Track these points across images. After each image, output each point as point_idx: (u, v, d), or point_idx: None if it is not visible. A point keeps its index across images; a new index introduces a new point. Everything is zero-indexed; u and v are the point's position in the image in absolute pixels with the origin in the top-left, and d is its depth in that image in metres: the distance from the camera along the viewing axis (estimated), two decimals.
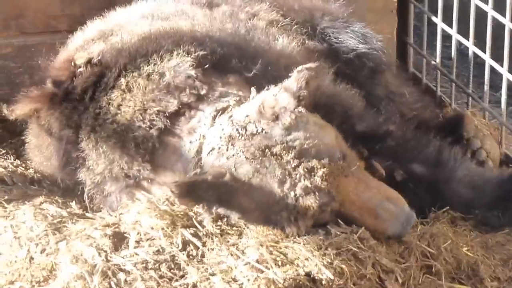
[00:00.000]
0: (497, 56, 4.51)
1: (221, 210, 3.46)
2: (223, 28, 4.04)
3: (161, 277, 3.28)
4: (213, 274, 3.27)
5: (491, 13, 4.50)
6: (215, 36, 3.93)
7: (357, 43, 4.47)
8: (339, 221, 3.44)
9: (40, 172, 4.09)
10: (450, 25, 4.88)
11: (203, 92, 3.66)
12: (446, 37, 4.99)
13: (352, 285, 3.25)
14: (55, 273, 3.34)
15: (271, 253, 3.31)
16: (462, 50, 4.98)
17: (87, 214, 3.73)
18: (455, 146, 4.05)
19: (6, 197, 3.87)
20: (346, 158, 3.47)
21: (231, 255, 3.32)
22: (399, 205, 3.43)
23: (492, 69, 4.58)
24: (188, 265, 3.30)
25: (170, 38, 3.83)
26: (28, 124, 4.03)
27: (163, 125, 3.61)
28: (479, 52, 4.67)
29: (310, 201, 3.35)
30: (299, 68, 3.50)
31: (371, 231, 3.42)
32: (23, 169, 4.20)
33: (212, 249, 3.37)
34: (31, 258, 3.42)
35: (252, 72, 3.78)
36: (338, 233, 3.39)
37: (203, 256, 3.35)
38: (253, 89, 3.58)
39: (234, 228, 3.46)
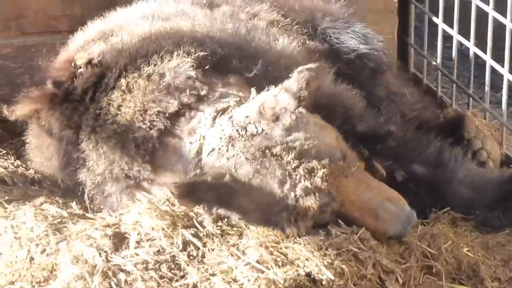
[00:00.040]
0: (498, 56, 4.52)
1: (222, 211, 3.47)
2: (224, 29, 4.05)
3: (161, 277, 3.29)
4: (213, 275, 3.28)
5: (492, 13, 4.50)
6: (216, 36, 3.94)
7: (358, 43, 4.48)
8: (340, 221, 3.44)
9: (41, 172, 4.10)
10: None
11: (203, 92, 3.67)
12: (447, 38, 5.00)
13: (352, 286, 3.26)
14: (56, 273, 3.35)
15: (271, 253, 3.32)
16: (463, 51, 4.98)
17: (87, 215, 3.74)
18: (455, 146, 4.06)
19: (6, 198, 3.88)
20: (346, 159, 3.47)
21: (232, 255, 3.33)
22: (399, 205, 3.44)
23: (493, 70, 4.59)
24: (188, 265, 3.31)
25: (171, 38, 3.84)
26: (29, 125, 4.04)
27: (163, 126, 3.62)
28: (480, 53, 4.68)
29: (310, 202, 3.36)
30: (300, 68, 3.51)
31: (371, 232, 3.42)
32: (24, 169, 4.21)
33: (213, 250, 3.38)
34: (32, 259, 3.43)
35: (253, 73, 3.79)
36: (339, 233, 3.40)
37: (203, 256, 3.36)
38: (253, 90, 3.59)
39: (235, 228, 3.47)
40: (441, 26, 4.98)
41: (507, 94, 4.50)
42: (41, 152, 3.99)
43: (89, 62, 3.82)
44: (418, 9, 5.27)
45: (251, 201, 3.40)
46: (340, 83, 3.98)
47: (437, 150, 3.96)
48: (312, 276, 3.26)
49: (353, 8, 4.69)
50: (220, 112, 3.59)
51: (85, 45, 3.98)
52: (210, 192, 3.39)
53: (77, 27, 4.23)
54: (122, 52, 3.82)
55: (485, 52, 4.60)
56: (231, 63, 3.82)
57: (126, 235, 3.45)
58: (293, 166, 3.37)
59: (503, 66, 4.48)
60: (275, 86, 3.55)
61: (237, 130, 3.45)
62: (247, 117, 3.48)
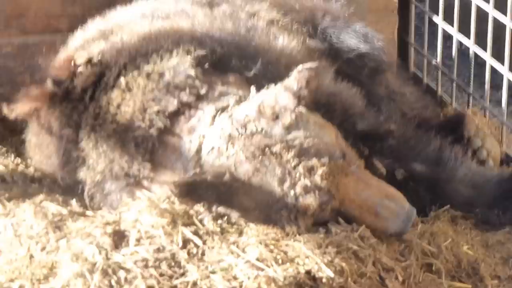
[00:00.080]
0: (498, 56, 4.54)
1: (221, 209, 3.48)
2: (223, 28, 4.06)
3: (161, 275, 3.29)
4: (213, 272, 3.29)
5: (492, 13, 4.52)
6: (215, 35, 3.95)
7: (358, 43, 4.48)
8: (340, 219, 3.46)
9: (41, 170, 4.10)
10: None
11: (202, 91, 3.68)
12: (447, 37, 5.02)
13: (352, 283, 3.27)
14: (56, 271, 3.35)
15: (271, 251, 3.33)
16: (463, 50, 4.97)
17: (87, 213, 3.73)
18: (456, 145, 4.08)
19: (6, 195, 3.88)
20: (346, 157, 3.49)
21: (232, 253, 3.34)
22: (399, 202, 3.46)
23: (493, 69, 4.60)
24: (188, 263, 3.32)
25: (170, 38, 3.85)
26: (29, 123, 4.05)
27: (163, 125, 3.63)
28: (480, 52, 4.69)
29: (310, 200, 3.38)
30: (299, 67, 3.52)
31: (372, 229, 3.44)
32: (24, 167, 4.21)
33: (213, 247, 3.38)
34: (31, 256, 3.43)
35: (252, 72, 3.81)
36: (339, 231, 3.41)
37: (203, 254, 3.37)
38: (252, 89, 3.61)
39: (235, 226, 3.48)
40: (441, 25, 5.00)
41: (507, 93, 4.52)
42: (41, 150, 4.00)
43: (89, 61, 3.82)
44: (418, 8, 5.27)
45: (251, 199, 3.42)
46: (340, 82, 4.00)
47: (437, 149, 3.99)
48: (312, 274, 3.26)
49: (353, 7, 4.69)
50: (220, 111, 3.60)
51: (85, 44, 3.99)
52: (210, 190, 3.41)
53: (77, 26, 4.24)
54: (121, 51, 3.83)
55: (485, 51, 4.62)
56: (230, 62, 3.84)
57: (126, 233, 3.45)
58: (292, 165, 3.39)
59: (503, 65, 4.50)
60: (274, 85, 3.57)
61: (237, 129, 3.47)
62: (246, 115, 3.49)
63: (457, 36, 4.89)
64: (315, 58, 4.12)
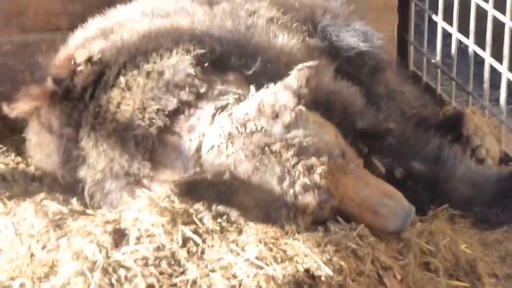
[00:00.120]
0: (497, 54, 4.55)
1: (221, 208, 3.50)
2: (223, 26, 4.07)
3: (161, 273, 3.31)
4: (213, 271, 3.30)
5: (492, 12, 4.54)
6: (215, 34, 3.96)
7: (358, 41, 4.50)
8: (338, 218, 3.48)
9: (41, 169, 4.11)
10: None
11: (202, 90, 3.69)
12: (447, 36, 5.04)
13: (351, 282, 3.28)
14: (56, 269, 3.37)
15: (270, 249, 3.34)
16: (462, 49, 4.99)
17: (87, 211, 3.75)
18: (455, 144, 4.10)
19: (7, 194, 3.90)
20: (345, 156, 3.50)
21: (231, 251, 3.35)
22: (398, 200, 3.47)
23: (492, 68, 4.62)
24: (188, 261, 3.34)
25: (170, 36, 3.87)
26: (29, 122, 4.06)
27: (163, 124, 3.64)
28: (479, 51, 4.71)
29: (309, 198, 3.39)
30: (299, 66, 3.54)
31: (371, 228, 3.45)
32: (24, 166, 4.22)
33: (212, 246, 3.40)
34: (32, 255, 3.45)
35: (252, 70, 3.82)
36: (337, 230, 3.42)
37: (203, 252, 3.38)
38: (252, 87, 3.62)
39: (234, 225, 3.49)
40: (441, 24, 5.02)
41: (506, 91, 4.54)
42: (41, 149, 4.02)
43: (89, 60, 3.84)
44: (418, 7, 5.30)
45: (251, 198, 3.44)
46: (339, 80, 4.02)
47: (436, 148, 4.00)
48: (311, 272, 3.28)
49: (353, 5, 4.71)
50: (220, 110, 3.61)
51: (85, 43, 4.01)
52: (210, 189, 3.43)
53: (78, 24, 4.25)
54: (121, 50, 3.85)
55: (485, 50, 4.64)
56: (230, 61, 3.85)
57: (126, 231, 3.46)
58: (292, 163, 3.40)
59: (502, 64, 4.52)
60: (274, 84, 3.58)
61: (237, 127, 3.48)
62: (246, 114, 3.51)
63: (456, 34, 4.91)
64: (315, 57, 4.14)
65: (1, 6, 4.69)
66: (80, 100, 3.82)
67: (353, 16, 4.65)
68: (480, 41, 4.72)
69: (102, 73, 3.82)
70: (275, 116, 3.48)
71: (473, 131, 4.41)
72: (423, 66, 5.26)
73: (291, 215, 3.41)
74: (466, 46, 4.85)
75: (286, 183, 3.40)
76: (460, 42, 4.93)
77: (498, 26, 4.52)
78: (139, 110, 3.68)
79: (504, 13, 4.44)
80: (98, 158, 3.75)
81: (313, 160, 3.41)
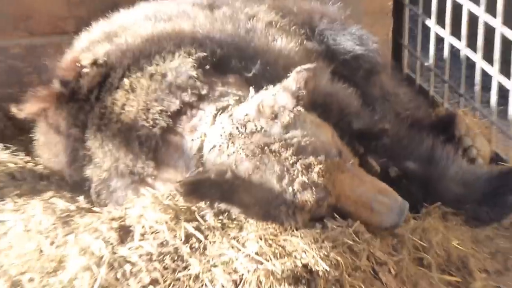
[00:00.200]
0: (488, 58, 4.57)
1: (223, 205, 3.51)
2: (224, 29, 4.08)
3: (165, 268, 3.34)
4: (214, 266, 3.33)
5: (483, 17, 4.56)
6: (216, 37, 3.97)
7: (354, 44, 4.51)
8: (335, 215, 3.49)
9: (49, 168, 4.12)
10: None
11: (204, 91, 3.70)
12: (440, 40, 5.05)
13: (347, 277, 3.30)
14: (64, 264, 3.40)
15: (270, 245, 3.37)
16: (454, 52, 4.98)
17: (94, 209, 3.77)
18: (447, 144, 4.11)
19: (16, 192, 3.91)
20: (341, 155, 3.52)
21: (232, 247, 3.37)
22: (392, 197, 3.49)
23: (484, 71, 4.63)
24: (191, 257, 3.36)
25: (172, 40, 3.88)
26: (37, 122, 4.08)
27: (166, 124, 3.66)
28: (471, 54, 4.73)
29: (308, 196, 3.41)
30: (298, 68, 3.55)
31: (367, 224, 3.47)
32: (33, 165, 4.22)
33: (214, 242, 3.42)
34: (41, 250, 3.48)
35: (252, 72, 3.84)
36: (334, 226, 3.44)
37: (205, 248, 3.40)
38: (251, 89, 3.64)
39: (235, 222, 3.51)
40: (434, 28, 5.04)
41: (497, 93, 4.55)
42: (49, 149, 4.04)
43: (94, 62, 3.86)
44: (412, 11, 5.31)
45: (251, 196, 3.45)
46: (336, 82, 4.03)
47: (429, 148, 4.02)
48: (308, 267, 3.30)
49: (350, 10, 4.73)
50: (220, 111, 3.63)
51: (90, 46, 4.03)
52: (213, 189, 3.43)
53: (83, 28, 4.27)
54: (126, 53, 3.86)
55: (476, 54, 4.66)
56: (230, 63, 3.87)
57: (131, 228, 3.49)
58: (291, 162, 3.42)
59: (493, 66, 4.54)
60: (273, 86, 3.59)
61: (237, 128, 3.50)
62: (246, 115, 3.52)
63: (449, 38, 4.92)
64: (312, 59, 4.14)
65: (9, 11, 4.71)
66: (86, 101, 3.84)
67: (349, 20, 4.67)
68: (471, 45, 4.73)
69: (107, 75, 3.84)
70: (274, 116, 3.49)
71: (464, 131, 4.42)
72: (416, 69, 5.28)
73: (290, 212, 3.42)
74: (458, 50, 4.86)
75: (285, 181, 3.41)
76: (452, 46, 4.94)
77: (489, 31, 4.54)
78: (142, 111, 3.70)
79: (495, 17, 4.46)
80: (103, 158, 3.76)
81: (311, 159, 3.42)
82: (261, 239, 3.39)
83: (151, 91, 3.72)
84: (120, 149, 3.73)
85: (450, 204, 3.90)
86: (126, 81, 3.79)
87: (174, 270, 3.33)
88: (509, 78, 4.44)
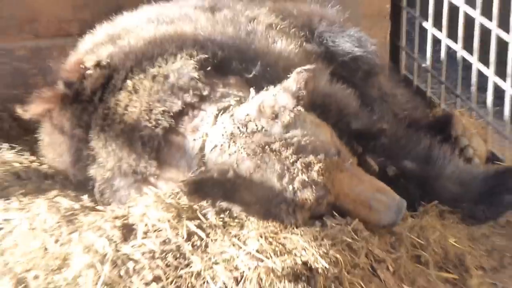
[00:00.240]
0: (484, 59, 4.58)
1: (224, 204, 3.52)
2: (225, 32, 4.09)
3: (167, 265, 3.34)
4: (216, 263, 3.33)
5: (479, 19, 4.57)
6: (217, 39, 3.98)
7: (353, 46, 4.51)
8: (334, 213, 3.49)
9: (54, 167, 4.13)
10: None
11: (205, 92, 3.71)
12: (436, 42, 5.06)
13: (346, 274, 3.31)
14: (68, 262, 3.41)
15: (270, 243, 3.37)
16: (451, 54, 4.99)
17: (98, 207, 3.77)
18: (444, 144, 4.11)
19: (21, 191, 3.92)
20: (340, 154, 3.53)
21: (233, 245, 3.38)
22: (390, 195, 3.50)
23: (480, 72, 4.64)
24: (192, 254, 3.36)
25: (174, 42, 3.89)
26: (41, 123, 4.09)
27: (168, 124, 3.66)
28: (467, 56, 4.74)
29: (307, 194, 3.41)
30: (298, 69, 3.56)
31: (365, 222, 3.47)
32: (38, 164, 4.23)
33: (215, 240, 3.42)
34: (46, 248, 3.48)
35: (252, 74, 3.85)
36: (333, 224, 3.45)
37: (206, 246, 3.41)
38: (252, 90, 3.64)
39: (236, 220, 3.52)
40: (431, 30, 5.05)
41: (493, 94, 4.56)
42: (53, 149, 4.05)
43: (98, 64, 3.87)
44: (409, 14, 5.32)
45: (252, 194, 3.46)
46: (335, 83, 4.04)
47: (426, 147, 4.02)
48: (308, 265, 3.31)
49: (348, 13, 4.73)
50: (222, 111, 3.63)
51: (94, 48, 4.03)
52: (216, 187, 3.44)
53: (87, 30, 4.27)
54: (128, 55, 3.87)
55: (472, 55, 4.67)
56: (231, 65, 3.88)
57: (134, 226, 3.50)
58: (291, 161, 3.43)
59: (489, 68, 4.55)
60: (274, 86, 3.60)
61: (238, 128, 3.50)
62: (247, 115, 3.53)
63: (445, 40, 4.93)
64: (311, 61, 4.15)
65: (15, 13, 4.73)
66: (90, 102, 3.85)
67: (348, 23, 4.68)
68: (468, 46, 4.74)
69: (110, 77, 3.85)
70: (275, 116, 3.50)
71: (461, 132, 4.42)
72: (414, 70, 5.28)
73: (291, 210, 3.43)
74: (455, 52, 4.87)
75: (285, 179, 3.42)
76: (449, 48, 4.94)
77: (485, 33, 4.54)
78: (145, 112, 3.71)
79: (491, 20, 4.47)
80: (107, 158, 3.77)
81: (311, 158, 3.43)
82: (261, 237, 3.39)
83: (153, 92, 3.73)
84: (123, 149, 3.73)
85: (447, 202, 3.91)
86: (129, 82, 3.79)
87: (176, 268, 3.34)
88: (504, 79, 4.44)
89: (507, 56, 4.35)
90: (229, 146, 3.48)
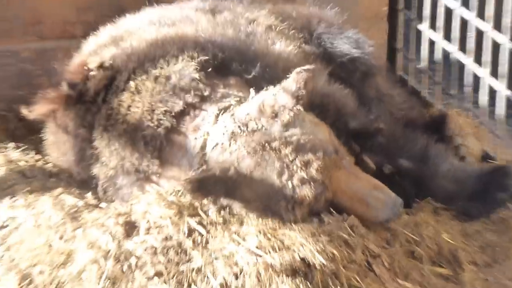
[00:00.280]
0: (479, 60, 4.61)
1: (225, 201, 3.53)
2: (225, 34, 4.09)
3: (169, 261, 3.36)
4: (216, 259, 3.35)
5: (474, 21, 4.60)
6: (217, 41, 3.98)
7: (351, 48, 4.52)
8: (332, 210, 3.50)
9: (58, 166, 4.13)
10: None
11: (206, 93, 3.72)
12: (432, 43, 5.07)
13: (342, 269, 3.32)
14: (72, 257, 3.43)
15: (269, 239, 3.38)
16: (446, 55, 5.01)
17: (101, 205, 3.79)
18: (439, 143, 4.14)
19: (27, 189, 3.93)
20: (338, 153, 3.54)
21: (233, 241, 3.39)
22: (386, 192, 3.51)
23: (474, 73, 4.67)
24: (193, 250, 3.38)
25: (176, 44, 3.90)
26: (46, 123, 4.10)
27: (170, 124, 3.67)
28: (462, 57, 4.76)
29: (306, 191, 3.43)
30: (298, 69, 3.57)
31: (362, 219, 3.48)
32: (43, 163, 4.23)
33: (216, 236, 3.44)
34: (50, 245, 3.50)
35: (252, 74, 3.86)
36: (330, 221, 3.46)
37: (207, 242, 3.42)
38: (252, 90, 3.66)
39: (236, 217, 3.52)
40: (427, 32, 5.07)
41: (487, 94, 4.59)
42: (58, 148, 4.06)
43: (101, 66, 3.88)
44: (406, 16, 5.33)
45: (253, 191, 3.47)
46: (333, 84, 4.05)
47: (422, 146, 4.04)
48: (306, 261, 3.32)
49: (346, 15, 4.74)
50: (222, 111, 3.64)
51: (97, 50, 4.04)
52: (218, 185, 3.46)
53: (91, 32, 4.28)
54: (131, 56, 3.88)
55: (467, 57, 4.71)
56: (231, 66, 3.89)
57: (136, 223, 3.51)
58: (290, 159, 3.44)
59: (483, 69, 4.59)
60: (273, 86, 3.61)
61: (239, 127, 3.51)
62: (248, 114, 3.54)
63: (441, 42, 4.95)
64: (310, 62, 4.15)
65: (20, 16, 4.74)
66: (93, 103, 3.86)
67: (346, 25, 4.69)
68: (463, 48, 4.76)
69: (113, 78, 3.86)
70: (275, 115, 3.52)
71: (455, 131, 4.44)
72: (410, 71, 5.30)
73: (290, 206, 3.45)
74: (450, 53, 4.89)
75: (285, 177, 3.44)
76: (444, 49, 4.96)
77: (480, 35, 4.57)
78: (148, 112, 3.72)
79: (486, 22, 4.50)
80: (110, 157, 3.79)
81: (310, 156, 3.45)
82: (260, 233, 3.41)
83: (155, 93, 3.74)
84: (126, 148, 3.75)
85: (442, 200, 3.93)
86: (131, 83, 3.80)
87: (177, 263, 3.35)
88: (498, 80, 4.47)
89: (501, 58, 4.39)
90: (230, 145, 3.50)
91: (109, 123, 3.80)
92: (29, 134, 4.48)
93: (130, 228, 3.50)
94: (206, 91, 3.73)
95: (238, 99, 3.70)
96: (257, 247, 3.35)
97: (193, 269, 3.33)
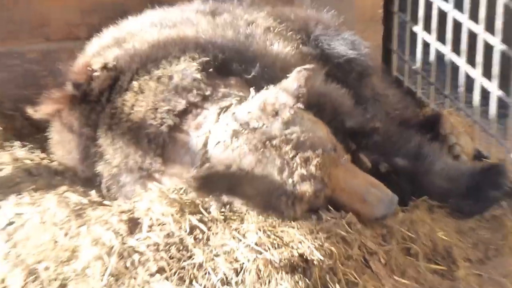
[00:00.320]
0: (471, 61, 4.58)
1: (226, 198, 3.52)
2: (225, 35, 4.08)
3: (171, 257, 3.35)
4: (217, 255, 3.34)
5: (467, 23, 4.58)
6: (218, 42, 3.98)
7: (347, 49, 4.51)
8: (330, 207, 3.50)
9: (63, 164, 4.12)
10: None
11: (207, 92, 3.71)
12: (426, 45, 5.06)
13: (340, 265, 3.31)
14: (77, 254, 3.41)
15: (268, 236, 3.38)
16: (440, 56, 4.99)
17: (105, 202, 3.77)
18: (433, 142, 4.13)
19: (32, 187, 3.92)
20: (336, 150, 3.53)
21: (233, 238, 3.38)
22: (382, 189, 3.51)
23: (467, 73, 4.64)
24: (195, 247, 3.37)
25: (177, 45, 3.89)
26: (51, 122, 4.09)
27: (173, 122, 3.66)
28: (455, 58, 4.74)
29: (306, 187, 3.42)
30: (298, 68, 3.57)
31: (359, 215, 3.48)
32: (48, 161, 4.22)
33: (217, 233, 3.43)
34: (55, 241, 3.49)
35: (251, 74, 3.85)
36: (328, 218, 3.45)
37: (208, 239, 3.41)
38: (252, 90, 3.65)
39: (236, 214, 3.52)
40: (421, 34, 5.06)
41: (480, 94, 4.57)
42: (63, 147, 4.05)
43: (105, 66, 3.87)
44: (400, 19, 5.32)
45: (254, 188, 3.46)
46: (330, 83, 4.04)
47: (417, 145, 4.03)
48: (304, 257, 3.31)
49: (343, 17, 4.73)
50: (224, 109, 3.64)
51: (101, 51, 4.03)
52: (221, 182, 3.44)
53: (94, 34, 4.27)
54: (134, 57, 3.87)
55: (460, 58, 4.68)
56: (231, 66, 3.88)
57: (139, 220, 3.50)
58: (290, 156, 3.43)
59: (475, 69, 4.55)
60: (273, 86, 3.60)
61: (240, 124, 3.50)
62: (249, 112, 3.53)
63: (435, 44, 4.93)
64: (307, 62, 4.09)
65: (26, 18, 4.72)
66: (97, 102, 3.85)
67: (343, 27, 4.67)
68: (456, 49, 4.74)
69: (117, 78, 3.84)
70: (275, 113, 3.50)
71: (449, 130, 4.41)
72: (405, 72, 5.28)
73: (290, 202, 3.43)
74: (444, 54, 4.87)
75: (285, 173, 3.42)
76: (438, 51, 4.94)
77: (473, 36, 4.55)
78: (151, 111, 3.71)
79: (478, 24, 4.47)
80: (114, 155, 3.77)
81: (309, 153, 3.44)
82: (260, 230, 3.40)
83: (158, 92, 3.73)
84: (129, 146, 3.73)
85: (436, 197, 3.92)
86: (135, 83, 3.79)
87: (179, 260, 3.34)
88: (490, 81, 4.45)
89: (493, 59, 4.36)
90: (231, 142, 3.48)
91: (113, 122, 3.78)
92: (34, 133, 4.47)
93: (133, 225, 3.48)
94: (207, 90, 3.72)
95: (239, 98, 3.69)
96: (257, 244, 3.34)
97: (194, 265, 3.32)
